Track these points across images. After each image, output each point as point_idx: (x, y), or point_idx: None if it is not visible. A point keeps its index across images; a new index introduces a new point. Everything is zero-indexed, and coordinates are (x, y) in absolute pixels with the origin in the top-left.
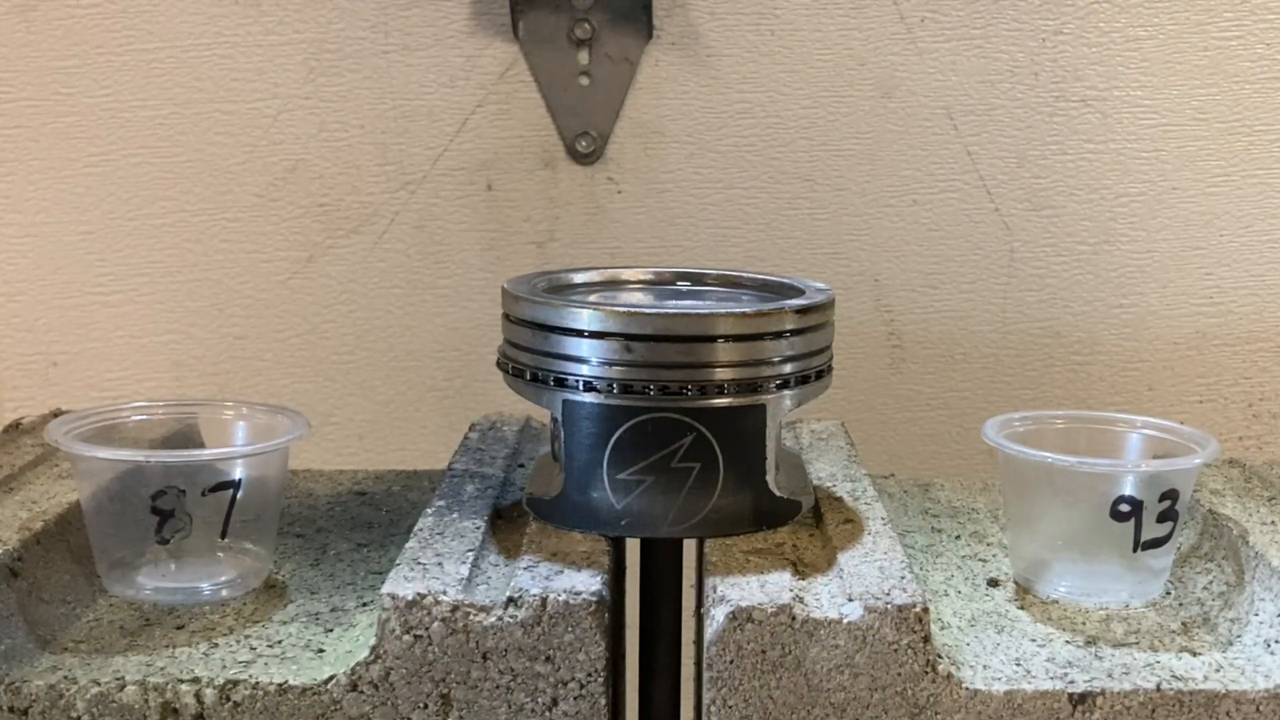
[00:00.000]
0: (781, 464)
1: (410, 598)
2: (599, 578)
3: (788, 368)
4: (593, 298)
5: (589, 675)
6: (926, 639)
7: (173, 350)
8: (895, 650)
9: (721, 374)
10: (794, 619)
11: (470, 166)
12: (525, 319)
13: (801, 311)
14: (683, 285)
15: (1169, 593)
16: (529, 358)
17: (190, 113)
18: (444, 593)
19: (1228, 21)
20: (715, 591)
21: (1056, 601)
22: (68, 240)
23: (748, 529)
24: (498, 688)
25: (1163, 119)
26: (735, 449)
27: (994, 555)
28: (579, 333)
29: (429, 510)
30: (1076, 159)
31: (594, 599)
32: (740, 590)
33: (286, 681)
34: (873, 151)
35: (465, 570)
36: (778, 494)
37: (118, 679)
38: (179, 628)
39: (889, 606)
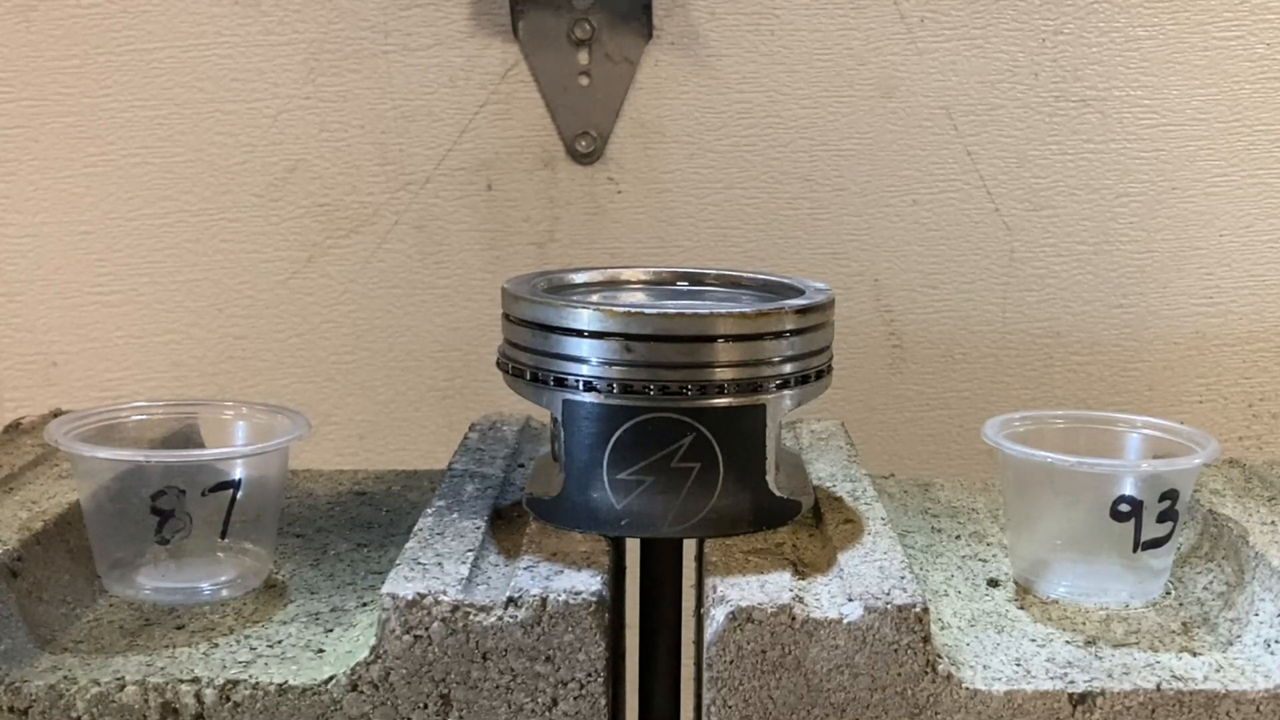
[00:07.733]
0: (781, 464)
1: (410, 598)
2: (599, 578)
3: (788, 368)
4: (593, 298)
5: (589, 675)
6: (926, 639)
7: (173, 350)
8: (895, 650)
9: (721, 374)
10: (794, 619)
11: (470, 166)
12: (525, 319)
13: (801, 311)
14: (683, 285)
15: (1169, 593)
16: (529, 358)
17: (190, 113)
18: (444, 593)
19: (1228, 21)
20: (715, 591)
21: (1056, 601)
22: (68, 240)
23: (748, 529)
24: (498, 688)
25: (1163, 119)
26: (735, 449)
27: (994, 555)
28: (579, 333)
29: (429, 510)
30: (1076, 159)
31: (594, 599)
32: (740, 590)
33: (286, 681)
34: (873, 151)
35: (465, 570)
36: (778, 494)
37: (118, 679)
38: (179, 628)
39: (889, 606)
